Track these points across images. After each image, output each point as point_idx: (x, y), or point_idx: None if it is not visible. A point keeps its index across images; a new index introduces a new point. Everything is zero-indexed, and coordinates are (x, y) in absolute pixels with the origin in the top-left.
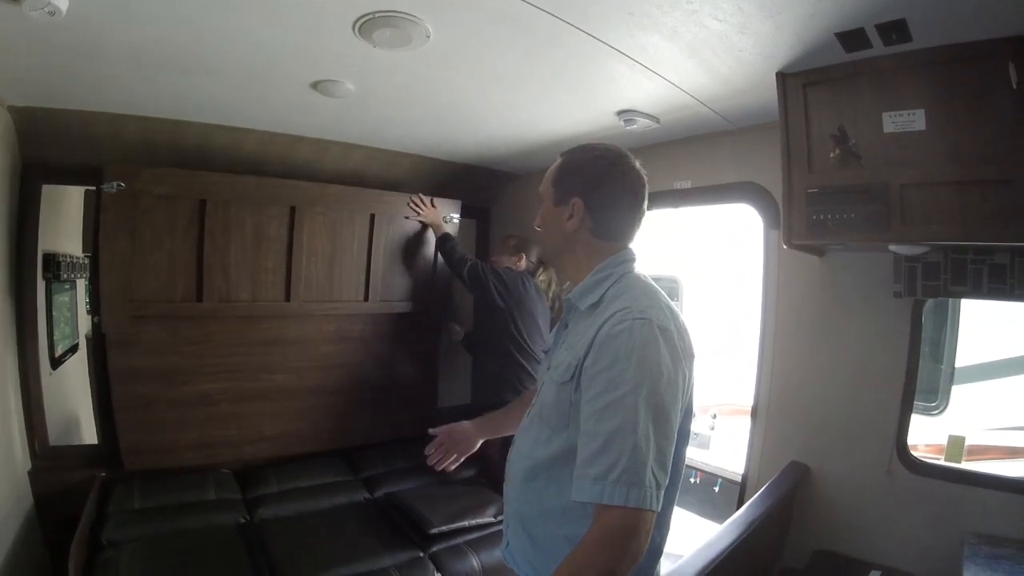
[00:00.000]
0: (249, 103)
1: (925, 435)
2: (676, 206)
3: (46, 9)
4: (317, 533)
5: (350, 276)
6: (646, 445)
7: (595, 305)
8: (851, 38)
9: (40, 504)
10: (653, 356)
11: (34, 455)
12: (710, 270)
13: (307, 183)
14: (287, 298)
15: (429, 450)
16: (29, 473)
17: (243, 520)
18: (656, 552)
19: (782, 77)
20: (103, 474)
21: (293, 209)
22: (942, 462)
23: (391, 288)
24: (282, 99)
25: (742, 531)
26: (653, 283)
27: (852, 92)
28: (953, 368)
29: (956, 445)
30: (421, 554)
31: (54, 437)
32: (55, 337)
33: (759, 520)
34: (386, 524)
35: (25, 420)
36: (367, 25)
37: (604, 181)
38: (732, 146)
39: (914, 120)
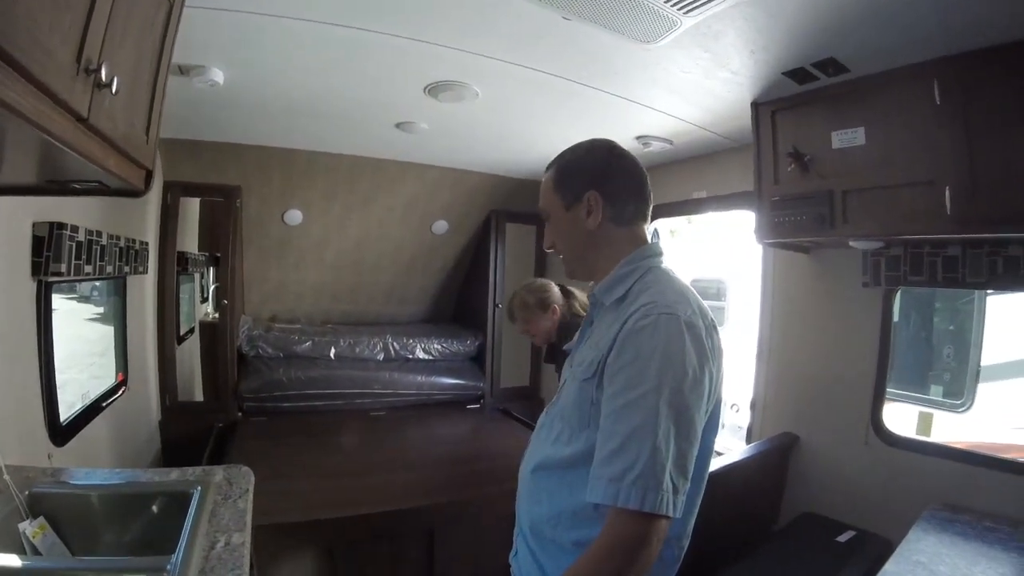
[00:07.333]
0: (346, 136)
1: (954, 433)
2: (696, 213)
3: (208, 83)
4: None
5: None
6: (665, 448)
7: (621, 300)
8: (797, 75)
9: (165, 447)
10: (678, 354)
11: (164, 408)
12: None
13: (447, 502)
14: None
15: None
16: (159, 423)
17: None
18: (675, 561)
19: (755, 106)
20: (220, 424)
21: (431, 532)
22: (915, 436)
23: None
24: (372, 134)
25: (721, 467)
26: (681, 279)
27: (810, 115)
28: (979, 366)
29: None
30: None
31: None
32: (180, 319)
33: (739, 464)
34: None
35: (159, 381)
36: (433, 89)
37: (610, 167)
38: (737, 161)
39: (856, 137)
